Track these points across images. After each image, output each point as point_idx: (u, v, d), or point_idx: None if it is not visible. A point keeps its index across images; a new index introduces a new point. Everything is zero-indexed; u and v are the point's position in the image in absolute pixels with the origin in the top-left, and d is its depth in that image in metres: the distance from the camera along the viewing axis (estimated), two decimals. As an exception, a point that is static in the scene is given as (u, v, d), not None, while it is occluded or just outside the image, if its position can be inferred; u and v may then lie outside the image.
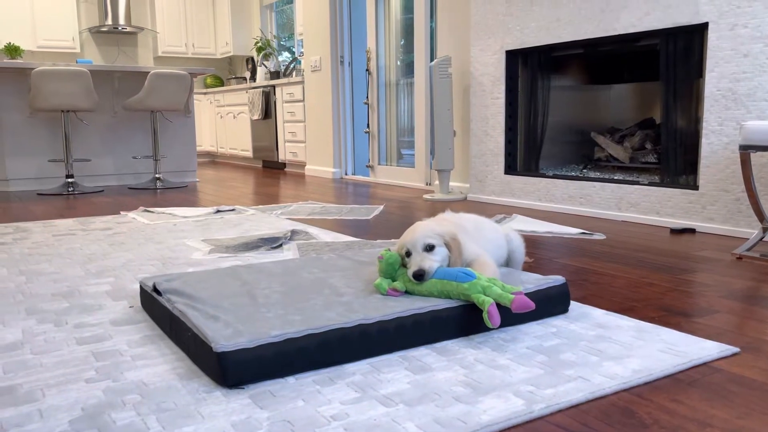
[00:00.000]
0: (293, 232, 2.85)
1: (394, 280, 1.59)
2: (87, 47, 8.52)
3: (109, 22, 8.26)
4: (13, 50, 7.56)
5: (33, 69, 4.67)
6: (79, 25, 8.33)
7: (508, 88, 3.90)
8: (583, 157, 4.05)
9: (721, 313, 1.67)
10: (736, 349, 1.39)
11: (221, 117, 8.33)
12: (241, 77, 8.75)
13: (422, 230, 1.61)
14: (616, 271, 2.17)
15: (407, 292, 1.56)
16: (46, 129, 5.16)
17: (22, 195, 4.75)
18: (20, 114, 5.05)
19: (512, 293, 1.45)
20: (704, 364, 1.32)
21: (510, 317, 1.54)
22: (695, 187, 2.94)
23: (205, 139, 8.86)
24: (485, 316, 1.42)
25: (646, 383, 1.22)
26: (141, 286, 1.72)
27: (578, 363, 1.31)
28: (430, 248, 1.58)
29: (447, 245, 1.61)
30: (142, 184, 5.35)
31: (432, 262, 1.56)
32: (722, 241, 2.69)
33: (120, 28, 8.33)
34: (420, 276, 1.53)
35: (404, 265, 1.62)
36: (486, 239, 1.80)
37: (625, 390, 1.19)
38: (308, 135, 6.37)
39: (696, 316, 1.65)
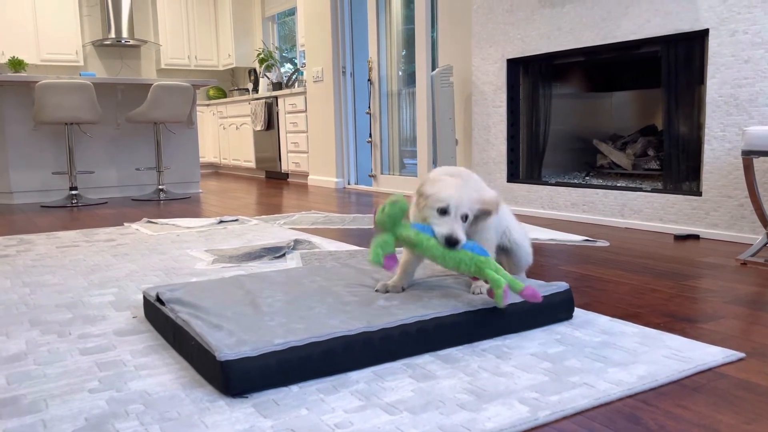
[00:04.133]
0: (296, 242, 2.85)
1: (394, 236, 1.46)
2: (90, 60, 8.57)
3: (113, 35, 8.31)
4: (16, 64, 7.61)
5: (37, 82, 4.69)
6: (83, 39, 8.38)
7: (510, 97, 3.90)
8: (586, 165, 4.04)
9: (726, 319, 1.66)
10: (741, 355, 1.38)
11: (224, 128, 8.36)
12: (243, 89, 8.79)
13: (469, 195, 1.47)
14: (620, 277, 2.16)
15: (414, 246, 1.44)
16: (49, 142, 5.19)
17: (26, 207, 4.76)
18: (24, 127, 5.08)
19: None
20: (710, 369, 1.31)
21: (514, 324, 1.53)
22: (698, 194, 2.94)
23: (208, 151, 8.89)
24: (499, 293, 1.38)
25: (652, 389, 1.22)
26: (144, 296, 1.72)
27: (583, 369, 1.30)
28: (465, 218, 1.48)
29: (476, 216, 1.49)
30: (146, 196, 5.37)
31: (464, 235, 1.45)
32: (726, 246, 2.68)
33: (123, 41, 8.39)
34: (454, 244, 1.43)
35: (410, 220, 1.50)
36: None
37: (630, 396, 1.19)
38: (311, 145, 6.39)
39: (701, 321, 1.64)
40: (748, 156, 2.30)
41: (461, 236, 1.45)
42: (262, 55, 8.04)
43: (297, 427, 1.07)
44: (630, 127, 3.91)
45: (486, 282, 1.47)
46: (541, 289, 1.63)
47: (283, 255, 2.60)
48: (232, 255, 2.60)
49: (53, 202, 5.02)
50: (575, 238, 2.90)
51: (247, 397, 1.19)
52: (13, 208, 4.71)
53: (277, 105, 6.96)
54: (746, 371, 1.30)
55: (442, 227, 1.46)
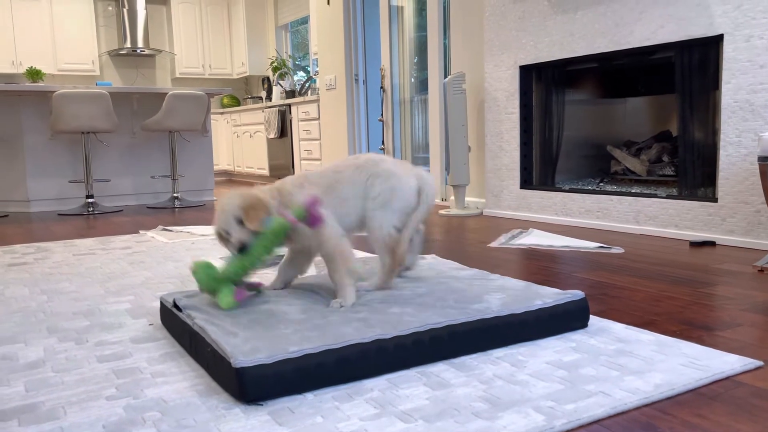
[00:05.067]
0: (310, 249, 2.85)
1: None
2: (106, 70, 8.68)
3: (128, 45, 8.41)
4: (34, 74, 7.72)
5: (54, 92, 4.76)
6: (99, 49, 8.49)
7: (523, 103, 3.90)
8: (600, 171, 4.02)
9: (743, 326, 1.64)
10: (759, 363, 1.37)
11: (238, 136, 8.41)
12: (257, 97, 8.85)
13: (224, 210, 1.63)
14: (636, 284, 2.15)
15: (245, 270, 1.62)
16: (66, 150, 5.25)
17: (43, 215, 4.82)
18: (42, 136, 5.15)
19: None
20: (727, 378, 1.30)
21: (528, 332, 1.53)
22: (714, 200, 2.91)
23: (222, 158, 8.95)
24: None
25: (669, 398, 1.21)
26: (161, 302, 1.73)
27: (599, 378, 1.29)
28: (240, 222, 1.62)
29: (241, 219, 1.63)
30: (161, 204, 5.41)
31: (244, 234, 1.61)
32: (743, 253, 2.65)
33: (138, 51, 8.48)
34: (243, 249, 1.60)
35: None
36: (341, 192, 1.73)
37: (647, 405, 1.18)
38: (324, 153, 6.41)
39: (718, 329, 1.63)
40: (765, 162, 2.28)
41: (239, 239, 1.61)
42: (275, 64, 8.09)
43: (312, 435, 1.07)
44: (644, 133, 3.89)
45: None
46: (556, 297, 1.63)
47: (297, 262, 2.60)
48: (246, 262, 2.61)
49: (70, 210, 5.08)
50: (589, 245, 2.88)
51: (262, 405, 1.20)
52: (30, 216, 4.77)
53: (290, 113, 7.00)
54: (764, 379, 1.29)
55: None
